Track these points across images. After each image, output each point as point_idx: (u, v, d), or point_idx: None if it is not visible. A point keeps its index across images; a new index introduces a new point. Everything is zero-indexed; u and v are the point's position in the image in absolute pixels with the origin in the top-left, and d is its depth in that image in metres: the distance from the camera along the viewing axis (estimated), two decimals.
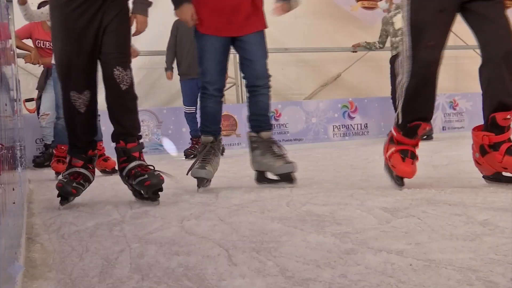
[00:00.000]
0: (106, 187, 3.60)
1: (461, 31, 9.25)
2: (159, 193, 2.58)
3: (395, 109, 8.27)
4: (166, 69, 6.29)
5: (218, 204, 2.44)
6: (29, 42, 6.07)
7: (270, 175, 3.06)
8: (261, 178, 3.10)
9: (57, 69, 2.69)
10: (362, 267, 1.28)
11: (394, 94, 7.08)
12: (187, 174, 3.01)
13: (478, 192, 2.32)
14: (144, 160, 2.65)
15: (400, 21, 7.20)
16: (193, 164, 3.01)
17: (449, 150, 5.20)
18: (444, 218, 1.78)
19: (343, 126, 7.75)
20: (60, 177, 2.71)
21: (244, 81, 3.22)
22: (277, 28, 8.30)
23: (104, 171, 4.70)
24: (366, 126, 7.80)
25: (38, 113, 5.95)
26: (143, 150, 2.73)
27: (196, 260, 1.44)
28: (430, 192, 2.39)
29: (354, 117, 7.81)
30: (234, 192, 2.74)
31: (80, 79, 2.64)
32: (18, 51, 5.87)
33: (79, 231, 2.00)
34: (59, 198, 2.61)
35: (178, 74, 6.12)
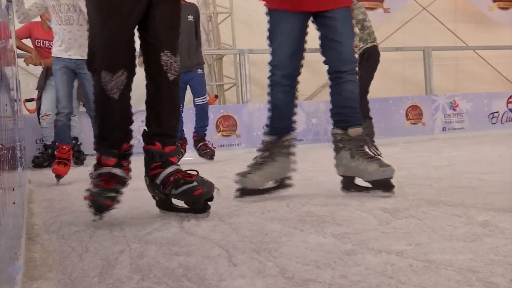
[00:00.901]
0: None
1: (461, 31, 9.31)
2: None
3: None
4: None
5: (218, 204, 2.44)
6: (28, 42, 6.08)
7: (360, 182, 2.50)
8: (348, 185, 2.52)
9: (90, 45, 2.16)
10: (362, 267, 1.28)
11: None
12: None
13: (478, 192, 2.33)
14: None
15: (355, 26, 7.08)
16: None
17: (449, 151, 5.20)
18: (444, 219, 1.78)
19: None
20: (90, 183, 2.13)
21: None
22: None
23: None
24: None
25: (38, 114, 5.96)
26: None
27: (196, 261, 1.44)
28: (430, 193, 2.39)
29: None
30: (233, 193, 2.74)
31: (115, 54, 2.09)
32: (18, 51, 5.87)
33: (79, 231, 2.00)
34: (92, 213, 2.14)
35: None
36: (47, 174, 5.06)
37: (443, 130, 8.10)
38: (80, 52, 4.22)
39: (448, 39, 9.30)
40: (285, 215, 2.06)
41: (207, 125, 5.72)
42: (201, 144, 5.62)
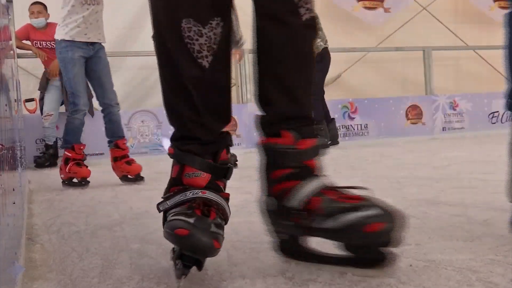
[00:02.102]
0: (107, 187, 3.60)
1: (461, 31, 9.32)
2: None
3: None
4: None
5: None
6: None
7: None
8: None
9: None
10: None
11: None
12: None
13: (478, 192, 2.33)
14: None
15: None
16: None
17: (449, 150, 5.20)
18: (444, 218, 1.78)
19: (343, 126, 7.74)
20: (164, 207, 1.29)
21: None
22: None
23: (126, 178, 3.77)
24: (366, 127, 7.79)
25: (41, 114, 6.01)
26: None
27: None
28: (430, 193, 2.39)
29: (354, 118, 7.81)
30: (233, 193, 2.74)
31: None
32: (18, 51, 5.90)
33: (79, 231, 2.00)
34: (177, 262, 1.22)
35: None
36: (48, 174, 5.07)
37: (443, 130, 8.10)
38: (98, 36, 3.78)
39: (448, 39, 9.31)
40: None
41: None
42: None
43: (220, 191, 1.31)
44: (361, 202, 1.17)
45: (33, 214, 2.54)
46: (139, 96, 7.41)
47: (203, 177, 1.28)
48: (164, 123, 6.58)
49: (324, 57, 6.83)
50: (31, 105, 6.47)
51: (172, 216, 1.22)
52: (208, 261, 1.42)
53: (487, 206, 1.95)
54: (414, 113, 8.03)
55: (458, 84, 9.41)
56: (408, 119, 7.97)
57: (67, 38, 3.68)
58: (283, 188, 1.25)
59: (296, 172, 1.25)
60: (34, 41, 6.05)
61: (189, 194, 1.25)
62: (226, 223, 1.29)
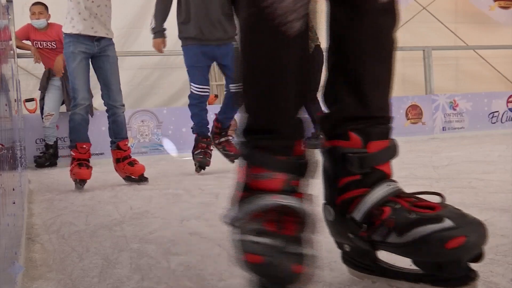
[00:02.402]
0: (106, 187, 3.60)
1: (461, 31, 9.31)
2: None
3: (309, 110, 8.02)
4: (154, 32, 4.10)
5: (218, 204, 2.44)
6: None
7: None
8: None
9: None
10: None
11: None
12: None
13: (478, 192, 2.32)
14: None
15: None
16: None
17: (449, 150, 5.20)
18: None
19: None
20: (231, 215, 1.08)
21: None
22: None
23: (129, 178, 3.74)
24: None
25: (42, 114, 6.02)
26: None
27: (196, 260, 1.44)
28: None
29: None
30: None
31: None
32: (18, 51, 5.90)
33: (79, 231, 2.00)
34: None
35: (180, 38, 4.11)
36: (48, 174, 5.07)
37: (443, 130, 8.10)
38: (104, 31, 3.67)
39: (448, 38, 9.31)
40: None
41: (232, 117, 4.27)
42: (223, 140, 4.20)
43: (293, 192, 1.07)
44: (439, 211, 1.01)
45: (33, 214, 2.55)
46: (139, 96, 7.41)
47: (277, 178, 1.06)
48: (164, 123, 6.58)
49: (317, 55, 6.66)
50: (31, 105, 6.48)
51: (240, 234, 1.02)
52: (208, 261, 1.42)
53: (487, 206, 1.95)
54: (414, 113, 8.03)
55: (458, 84, 9.40)
56: (408, 119, 7.96)
57: (74, 31, 3.57)
58: (348, 197, 1.11)
59: (363, 178, 1.09)
60: (35, 41, 6.05)
61: (262, 202, 1.03)
62: (312, 230, 1.07)
